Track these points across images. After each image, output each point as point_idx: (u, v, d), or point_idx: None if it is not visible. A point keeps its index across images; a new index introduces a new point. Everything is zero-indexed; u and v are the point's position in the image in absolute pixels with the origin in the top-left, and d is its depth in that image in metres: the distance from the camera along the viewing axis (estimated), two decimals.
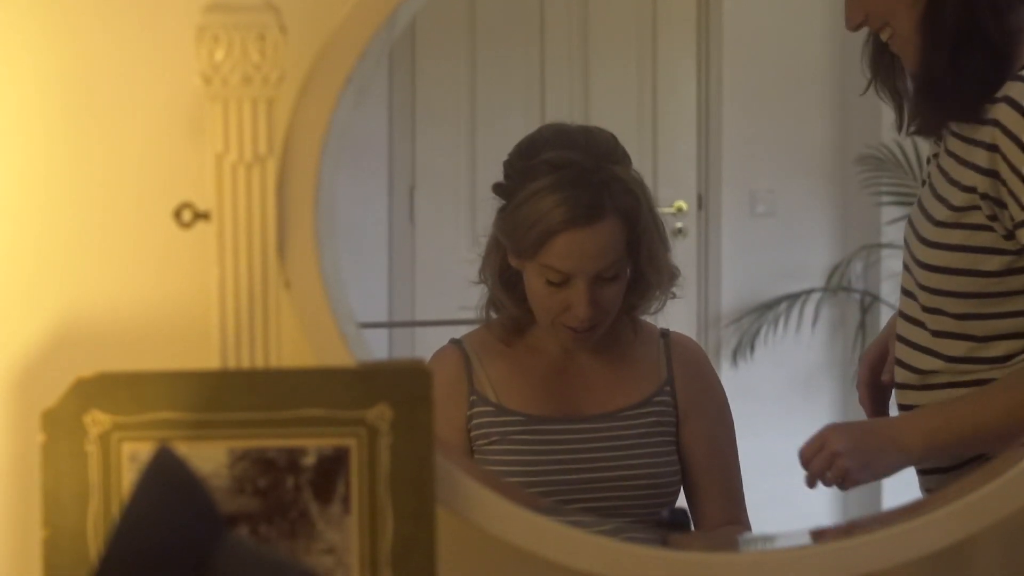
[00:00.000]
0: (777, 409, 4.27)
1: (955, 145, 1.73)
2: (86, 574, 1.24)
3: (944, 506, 1.42)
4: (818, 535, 1.63)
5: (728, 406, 2.04)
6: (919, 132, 1.83)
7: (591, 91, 4.65)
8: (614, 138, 1.96)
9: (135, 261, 1.40)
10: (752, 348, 4.52)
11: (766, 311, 4.52)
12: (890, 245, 4.28)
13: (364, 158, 4.44)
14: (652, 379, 1.99)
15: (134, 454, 1.26)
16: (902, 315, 1.82)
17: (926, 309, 1.76)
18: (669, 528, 1.86)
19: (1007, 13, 1.68)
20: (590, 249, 1.88)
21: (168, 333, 1.39)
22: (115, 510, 1.26)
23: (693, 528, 1.94)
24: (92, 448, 1.26)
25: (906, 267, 1.82)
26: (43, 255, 1.41)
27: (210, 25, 1.28)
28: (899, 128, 1.86)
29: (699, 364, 2.05)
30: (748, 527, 2.00)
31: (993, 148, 1.65)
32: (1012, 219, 1.65)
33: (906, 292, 1.82)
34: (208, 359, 1.31)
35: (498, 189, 1.95)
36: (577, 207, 1.86)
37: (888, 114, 1.89)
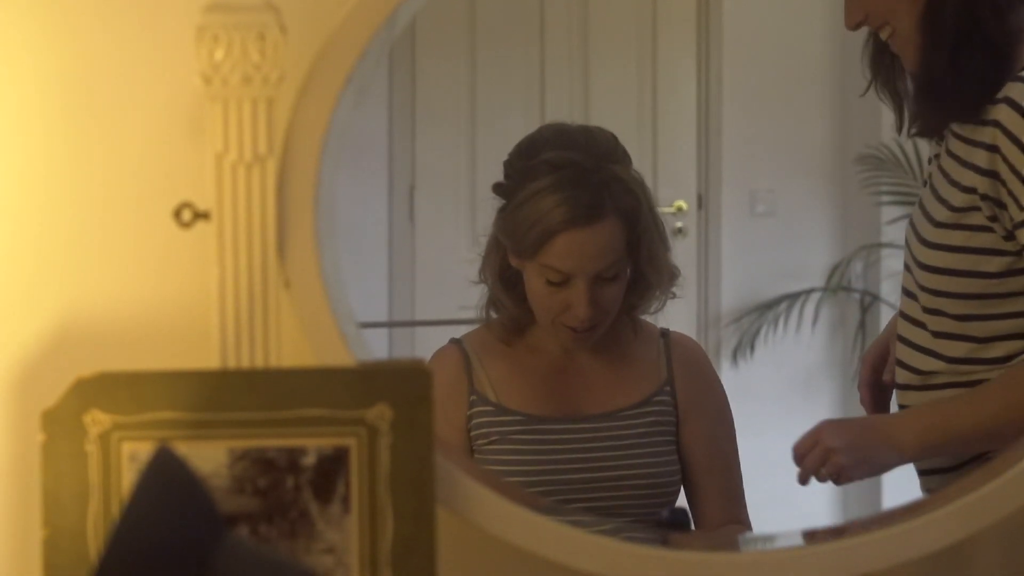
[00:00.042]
0: (777, 409, 4.27)
1: (956, 146, 1.72)
2: (86, 574, 1.24)
3: (944, 506, 1.42)
4: (810, 536, 1.63)
5: (728, 406, 2.04)
6: (920, 134, 1.83)
7: (591, 91, 4.66)
8: (614, 138, 1.96)
9: (135, 261, 1.40)
10: (752, 348, 4.52)
11: (766, 311, 4.52)
12: (890, 245, 4.28)
13: (364, 158, 4.44)
14: (652, 379, 1.99)
15: (134, 454, 1.26)
16: (903, 316, 1.82)
17: (927, 310, 1.76)
18: (669, 528, 1.86)
19: (1007, 13, 1.68)
20: (590, 249, 1.88)
21: (168, 333, 1.39)
22: (115, 510, 1.26)
23: (693, 528, 1.93)
24: (92, 448, 1.26)
25: (907, 268, 1.82)
26: (43, 255, 1.41)
27: (210, 25, 1.28)
28: (899, 129, 1.86)
29: (699, 364, 2.05)
30: (749, 527, 2.00)
31: (993, 149, 1.65)
32: (1012, 220, 1.65)
33: (907, 293, 1.82)
34: (208, 359, 1.31)
35: (498, 189, 1.95)
36: (577, 207, 1.87)
37: (888, 114, 1.88)
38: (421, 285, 4.65)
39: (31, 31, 1.39)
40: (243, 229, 1.30)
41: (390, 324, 4.61)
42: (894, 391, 1.89)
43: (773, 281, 4.58)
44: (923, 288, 1.77)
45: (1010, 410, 1.65)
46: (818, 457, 1.72)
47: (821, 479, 1.74)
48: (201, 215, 1.32)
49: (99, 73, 1.40)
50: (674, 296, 2.01)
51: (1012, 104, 1.64)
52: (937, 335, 1.75)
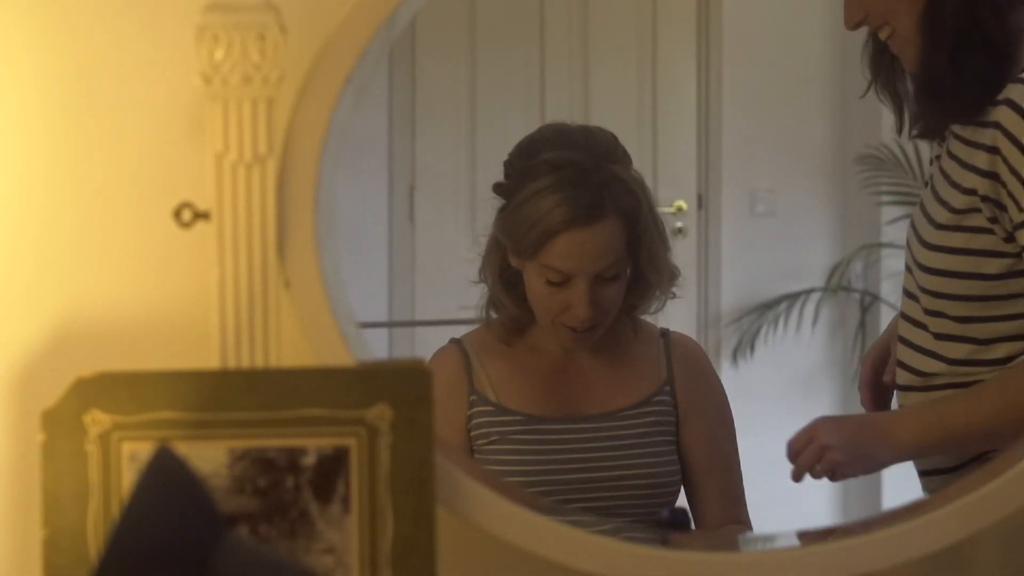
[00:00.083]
0: (777, 409, 4.26)
1: (957, 147, 1.72)
2: (86, 574, 1.24)
3: (944, 506, 1.42)
4: (803, 537, 1.63)
5: (728, 406, 2.04)
6: (921, 135, 1.82)
7: (591, 91, 4.66)
8: (614, 138, 1.96)
9: (135, 261, 1.40)
10: (752, 348, 4.52)
11: (766, 311, 4.52)
12: (890, 245, 4.28)
13: (364, 158, 4.44)
14: (652, 379, 1.99)
15: (134, 454, 1.26)
16: (904, 317, 1.82)
17: (928, 312, 1.76)
18: (669, 528, 1.86)
19: (1008, 13, 1.68)
20: (590, 249, 1.88)
21: (168, 333, 1.39)
22: (115, 510, 1.26)
23: (694, 528, 1.93)
24: (92, 448, 1.26)
25: (908, 269, 1.82)
26: (43, 255, 1.41)
27: (210, 25, 1.28)
28: (899, 131, 1.86)
29: (699, 364, 2.05)
30: (749, 526, 2.00)
31: (994, 150, 1.65)
32: (1012, 221, 1.65)
33: (908, 294, 1.82)
34: (208, 359, 1.31)
35: (498, 189, 1.95)
36: (577, 207, 1.87)
37: (888, 114, 1.88)
38: (421, 285, 4.65)
39: (31, 31, 1.39)
40: (243, 229, 1.30)
41: (390, 324, 4.61)
42: (894, 392, 1.89)
43: (773, 281, 4.58)
44: (924, 290, 1.77)
45: (1007, 410, 1.65)
46: (813, 454, 1.72)
47: (816, 476, 1.73)
48: (201, 215, 1.32)
49: (99, 73, 1.40)
50: (674, 296, 2.01)
51: (1013, 106, 1.64)
52: (938, 337, 1.75)
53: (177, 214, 1.33)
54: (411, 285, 4.67)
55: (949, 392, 1.75)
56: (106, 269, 1.40)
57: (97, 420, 1.26)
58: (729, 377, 4.12)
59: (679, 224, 4.64)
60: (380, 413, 1.27)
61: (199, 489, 1.15)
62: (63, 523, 1.26)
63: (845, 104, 4.55)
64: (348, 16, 1.37)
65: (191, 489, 1.15)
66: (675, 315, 2.11)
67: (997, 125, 1.65)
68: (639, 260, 1.93)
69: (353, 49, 1.37)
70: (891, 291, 4.25)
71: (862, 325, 4.37)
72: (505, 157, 1.97)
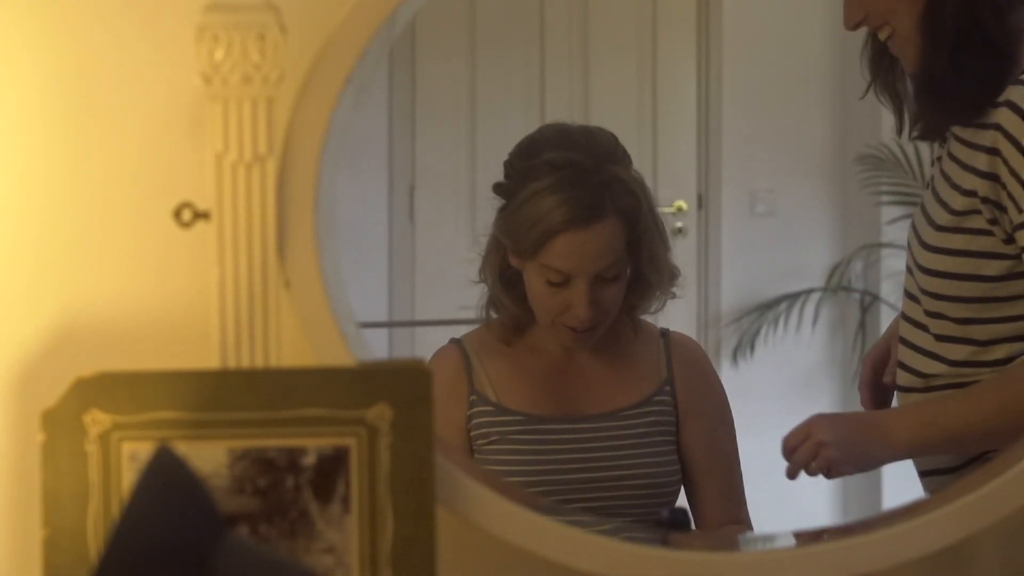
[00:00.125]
0: (777, 409, 4.25)
1: (957, 149, 1.72)
2: (86, 574, 1.24)
3: (944, 506, 1.42)
4: (799, 537, 1.63)
5: (728, 405, 2.04)
6: (921, 136, 1.82)
7: (591, 91, 4.66)
8: (615, 138, 1.96)
9: (135, 261, 1.40)
10: (752, 348, 4.52)
11: (766, 311, 4.52)
12: (890, 245, 4.28)
13: (364, 158, 4.45)
14: (652, 379, 1.99)
15: (134, 454, 1.26)
16: (905, 318, 1.82)
17: (928, 313, 1.76)
18: (669, 528, 1.86)
19: (1008, 13, 1.68)
20: (590, 249, 1.88)
21: (168, 333, 1.39)
22: (115, 510, 1.26)
23: (694, 527, 1.93)
24: (92, 448, 1.26)
25: (909, 270, 1.82)
26: (43, 255, 1.41)
27: (210, 25, 1.28)
28: (899, 131, 1.86)
29: (699, 363, 2.05)
30: (749, 526, 2.00)
31: (994, 152, 1.65)
32: (1011, 223, 1.65)
33: (909, 295, 1.81)
34: (208, 359, 1.31)
35: (499, 189, 1.95)
36: (578, 207, 1.87)
37: (888, 114, 1.88)
38: (421, 285, 4.65)
39: (31, 31, 1.39)
40: (243, 229, 1.30)
41: (390, 324, 4.61)
42: (895, 393, 1.89)
43: (773, 281, 4.58)
44: (924, 291, 1.77)
45: (1003, 410, 1.65)
46: (809, 450, 1.72)
47: (811, 473, 1.73)
48: (201, 215, 1.32)
49: (99, 73, 1.40)
50: (674, 296, 2.01)
51: (1013, 107, 1.63)
52: (939, 338, 1.75)
53: (177, 214, 1.33)
54: (411, 285, 4.67)
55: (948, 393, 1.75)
56: (106, 269, 1.40)
57: (97, 420, 1.26)
58: (729, 377, 4.12)
59: (679, 224, 4.64)
60: (380, 413, 1.27)
61: (199, 489, 1.15)
62: (63, 523, 1.26)
63: (845, 104, 4.55)
64: (348, 16, 1.37)
65: (191, 489, 1.15)
66: (675, 315, 2.11)
67: (997, 127, 1.64)
68: (639, 260, 1.93)
69: (353, 49, 1.37)
70: (891, 291, 4.25)
71: (862, 325, 4.37)
72: (505, 157, 1.97)
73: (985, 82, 1.67)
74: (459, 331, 2.05)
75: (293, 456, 1.27)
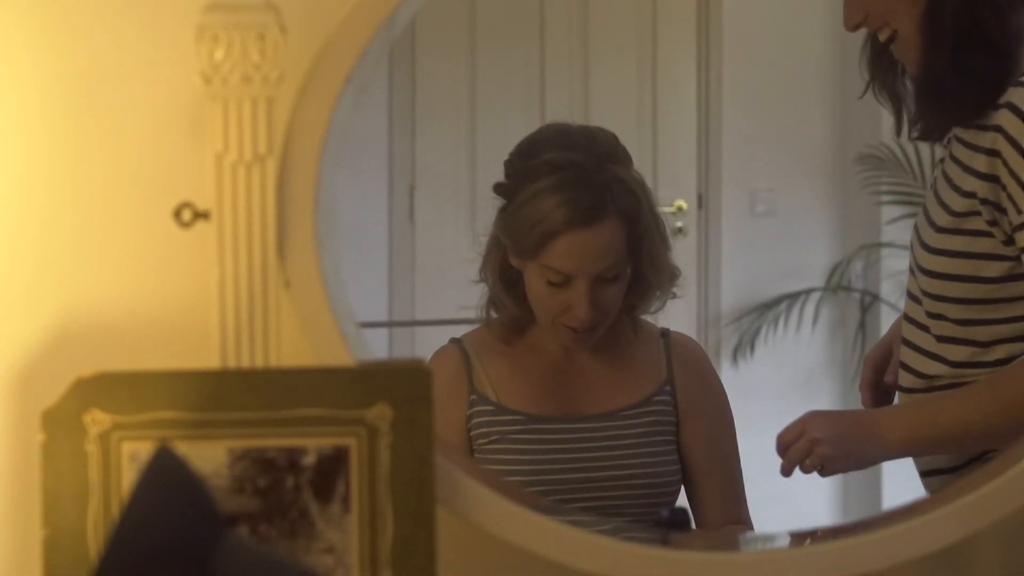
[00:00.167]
0: (777, 409, 4.25)
1: (959, 151, 1.72)
2: (86, 574, 1.24)
3: (944, 506, 1.42)
4: (796, 538, 1.63)
5: (728, 405, 2.04)
6: (922, 137, 1.82)
7: (591, 91, 4.65)
8: (615, 138, 1.96)
9: (135, 261, 1.40)
10: (752, 348, 4.52)
11: (766, 311, 4.52)
12: (890, 244, 4.28)
13: (364, 158, 4.44)
14: (652, 378, 1.99)
15: (134, 454, 1.26)
16: (907, 319, 1.82)
17: (930, 314, 1.76)
18: (669, 528, 1.86)
19: (1008, 13, 1.68)
20: (591, 250, 1.88)
21: (168, 333, 1.39)
22: (115, 510, 1.26)
23: (694, 527, 1.93)
24: (92, 448, 1.26)
25: (911, 271, 1.82)
26: (43, 255, 1.41)
27: (210, 25, 1.28)
28: (897, 132, 1.86)
29: (699, 363, 2.05)
30: (750, 526, 2.00)
31: (994, 153, 1.65)
32: (1011, 224, 1.65)
33: (911, 296, 1.82)
34: (208, 359, 1.31)
35: (499, 189, 1.95)
36: (578, 208, 1.86)
37: (888, 113, 1.88)
38: (421, 285, 4.65)
39: (31, 31, 1.39)
40: (243, 229, 1.30)
41: (390, 324, 4.61)
42: (896, 393, 1.89)
43: (773, 281, 4.58)
44: (925, 293, 1.77)
45: (999, 410, 1.65)
46: (803, 448, 1.72)
47: (805, 470, 1.73)
48: (201, 215, 1.32)
49: (99, 73, 1.40)
50: (674, 296, 2.01)
51: (1013, 109, 1.63)
52: (940, 339, 1.75)
53: (177, 214, 1.33)
54: (411, 285, 4.67)
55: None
56: (106, 269, 1.40)
57: (97, 420, 1.26)
58: (729, 377, 4.12)
59: (679, 224, 4.64)
60: (380, 413, 1.27)
61: (199, 489, 1.15)
62: (63, 523, 1.26)
63: (845, 104, 4.55)
64: (348, 16, 1.37)
65: (191, 489, 1.15)
66: (675, 315, 2.11)
67: (998, 128, 1.65)
68: (640, 260, 1.93)
69: (353, 49, 1.37)
70: (891, 291, 4.25)
71: (862, 325, 4.37)
72: (505, 157, 1.97)
73: (985, 82, 1.67)
74: (459, 331, 2.05)
75: (293, 456, 1.27)
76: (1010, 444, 1.51)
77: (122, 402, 1.26)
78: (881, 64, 1.83)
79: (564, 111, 4.44)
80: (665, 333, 2.03)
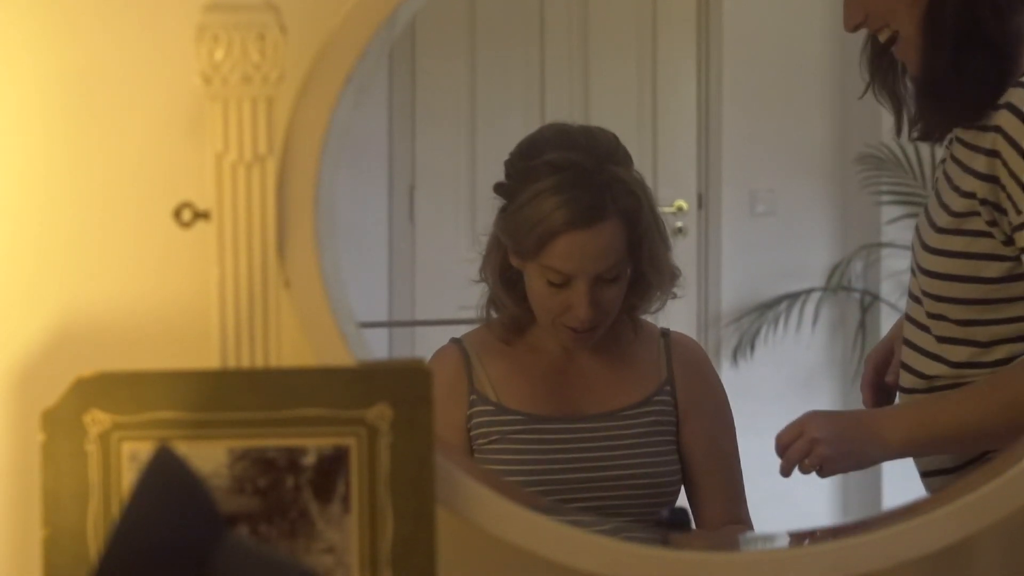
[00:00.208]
0: (777, 409, 4.24)
1: (959, 151, 1.72)
2: (86, 574, 1.24)
3: (944, 506, 1.42)
4: (795, 538, 1.63)
5: (728, 405, 2.04)
6: (922, 137, 1.82)
7: (591, 91, 4.65)
8: (616, 139, 1.96)
9: (135, 261, 1.40)
10: (752, 348, 4.52)
11: (766, 311, 4.52)
12: (890, 244, 4.28)
13: (364, 158, 4.44)
14: (652, 378, 1.99)
15: (134, 454, 1.26)
16: (909, 319, 1.82)
17: (930, 315, 1.76)
18: (669, 528, 1.86)
19: (1008, 14, 1.68)
20: (591, 250, 1.88)
21: (168, 333, 1.39)
22: (115, 510, 1.26)
23: (694, 527, 1.93)
24: (92, 448, 1.26)
25: (912, 272, 1.82)
26: (43, 255, 1.41)
27: (210, 25, 1.28)
28: (897, 132, 1.86)
29: (699, 363, 2.05)
30: (750, 526, 2.00)
31: (993, 154, 1.65)
32: (1010, 224, 1.65)
33: (912, 297, 1.82)
34: (208, 359, 1.31)
35: (499, 189, 1.95)
36: (578, 208, 1.86)
37: (888, 113, 1.88)
38: (421, 285, 4.65)
39: (31, 31, 1.39)
40: (243, 229, 1.30)
41: (390, 324, 4.61)
42: (896, 393, 1.89)
43: (773, 281, 4.58)
44: (926, 293, 1.77)
45: (998, 410, 1.65)
46: (802, 448, 1.72)
47: (804, 470, 1.73)
48: (201, 215, 1.32)
49: (99, 73, 1.40)
50: (674, 296, 2.01)
51: (1013, 110, 1.64)
52: (940, 339, 1.75)
53: (177, 214, 1.33)
54: (411, 285, 4.67)
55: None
56: (106, 269, 1.40)
57: (97, 420, 1.26)
58: (729, 377, 4.12)
59: (679, 224, 4.64)
60: (380, 413, 1.27)
61: (199, 489, 1.15)
62: (63, 523, 1.26)
63: (845, 104, 4.55)
64: (348, 16, 1.37)
65: (191, 489, 1.15)
66: (675, 315, 2.11)
67: (998, 129, 1.65)
68: (640, 261, 1.93)
69: (353, 49, 1.37)
70: (891, 291, 4.25)
71: (862, 325, 4.37)
72: (505, 157, 1.97)
73: (986, 83, 1.67)
74: (459, 331, 2.05)
75: (293, 456, 1.27)
76: (1010, 444, 1.51)
77: (122, 402, 1.26)
78: (881, 64, 1.83)
79: (564, 111, 4.44)
80: (665, 333, 2.03)
